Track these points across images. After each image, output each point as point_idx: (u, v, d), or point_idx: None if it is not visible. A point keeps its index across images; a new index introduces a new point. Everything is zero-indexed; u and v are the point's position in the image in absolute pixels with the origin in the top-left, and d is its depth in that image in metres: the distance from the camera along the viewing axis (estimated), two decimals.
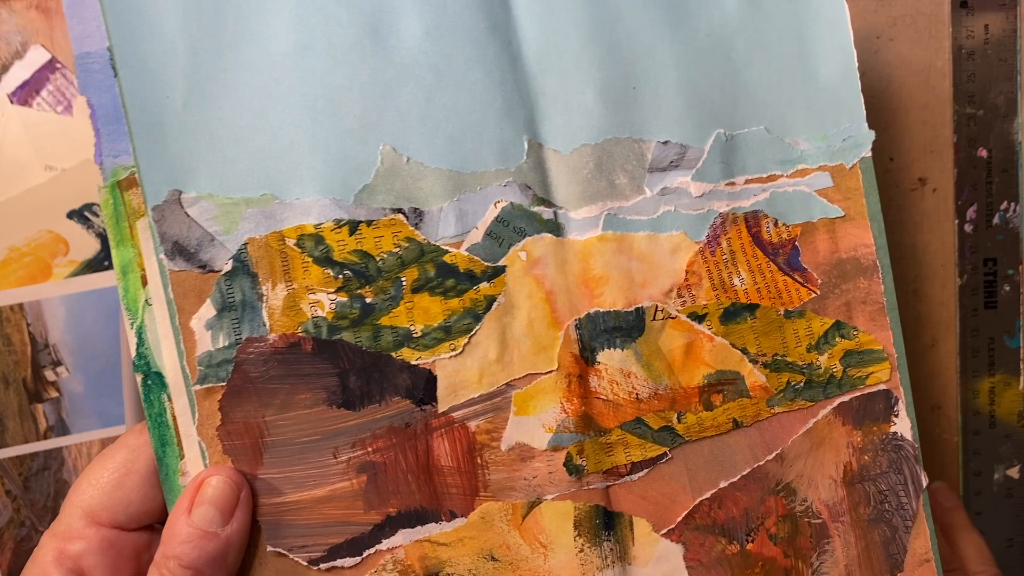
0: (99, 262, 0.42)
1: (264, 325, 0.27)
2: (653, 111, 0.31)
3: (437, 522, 0.29)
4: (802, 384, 0.32)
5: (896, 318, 0.33)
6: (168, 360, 0.27)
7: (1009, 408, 0.46)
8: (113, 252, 0.27)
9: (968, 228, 0.45)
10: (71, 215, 0.42)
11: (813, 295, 0.33)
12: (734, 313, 0.32)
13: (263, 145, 0.27)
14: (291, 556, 0.28)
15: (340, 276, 0.28)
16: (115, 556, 0.27)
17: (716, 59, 0.32)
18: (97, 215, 0.42)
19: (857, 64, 0.33)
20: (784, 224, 0.32)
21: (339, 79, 0.28)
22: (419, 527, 0.29)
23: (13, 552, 0.42)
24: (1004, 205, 0.45)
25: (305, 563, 0.28)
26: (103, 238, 0.42)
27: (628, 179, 0.31)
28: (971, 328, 0.45)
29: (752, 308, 0.32)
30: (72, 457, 0.42)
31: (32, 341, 0.41)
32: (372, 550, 0.28)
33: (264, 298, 0.27)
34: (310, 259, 0.28)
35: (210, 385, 0.27)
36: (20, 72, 0.41)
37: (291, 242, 0.28)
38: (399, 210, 0.29)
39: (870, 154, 0.33)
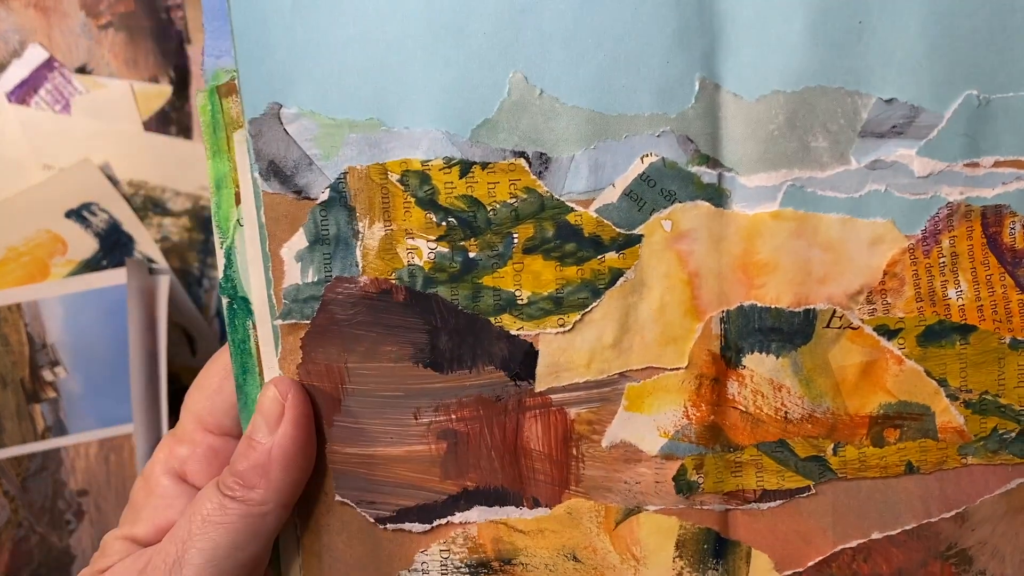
0: (97, 262, 0.43)
1: (356, 265, 0.27)
2: (882, 56, 0.25)
3: (518, 507, 0.28)
4: (1013, 435, 0.27)
5: None
6: (256, 287, 0.27)
7: None
8: (208, 163, 0.26)
9: None
10: (69, 215, 0.43)
11: None
12: (940, 333, 0.27)
13: (375, 60, 0.25)
14: (358, 509, 0.28)
15: (444, 223, 0.26)
16: (219, 464, 0.28)
17: None
18: (95, 214, 0.43)
19: None
20: None
21: None
22: (497, 507, 0.28)
23: (11, 553, 0.44)
24: None
25: (372, 519, 0.28)
26: (101, 238, 0.43)
27: (829, 143, 0.26)
28: None
29: (966, 330, 0.27)
30: (70, 458, 0.44)
31: (30, 341, 0.43)
32: (443, 520, 0.28)
33: (360, 236, 0.27)
34: (413, 200, 0.26)
35: (294, 321, 0.27)
36: (18, 71, 0.43)
37: (394, 177, 0.26)
38: (522, 153, 0.26)
39: None
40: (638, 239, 0.26)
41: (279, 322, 0.27)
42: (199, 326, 0.46)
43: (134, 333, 0.41)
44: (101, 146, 0.44)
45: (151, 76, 0.44)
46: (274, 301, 0.27)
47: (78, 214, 0.44)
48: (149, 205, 0.45)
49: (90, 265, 0.44)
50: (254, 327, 0.27)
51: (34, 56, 0.43)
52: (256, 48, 0.25)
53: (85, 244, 0.44)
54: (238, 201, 0.27)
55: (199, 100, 0.26)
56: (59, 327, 0.43)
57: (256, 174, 0.26)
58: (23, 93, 0.43)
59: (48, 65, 0.43)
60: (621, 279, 0.26)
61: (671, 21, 0.25)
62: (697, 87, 0.25)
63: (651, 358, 0.26)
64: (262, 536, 0.26)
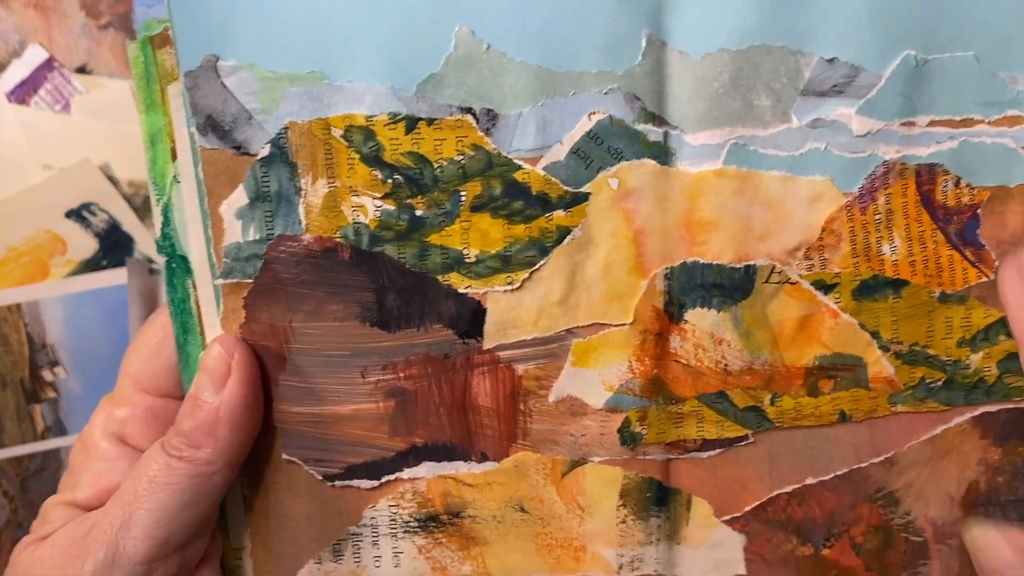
0: (97, 262, 0.43)
1: (299, 223, 0.26)
2: (824, 16, 0.26)
3: (466, 461, 0.28)
4: (940, 383, 0.29)
5: None
6: (195, 245, 0.26)
7: None
8: (141, 118, 0.25)
9: None
10: (69, 215, 0.42)
11: (983, 279, 0.28)
12: (874, 288, 0.28)
13: (317, 12, 0.24)
14: (305, 467, 0.29)
15: (389, 180, 0.26)
16: (158, 426, 0.28)
17: None
18: (95, 214, 0.42)
19: None
20: (968, 185, 0.27)
21: None
22: (445, 463, 0.28)
23: (11, 552, 0.44)
24: None
25: (320, 477, 0.28)
26: (101, 238, 0.43)
27: (772, 101, 0.26)
28: None
29: (899, 285, 0.28)
30: (70, 458, 0.44)
31: (30, 341, 0.42)
32: (392, 476, 0.28)
33: (302, 193, 0.26)
34: (357, 156, 0.26)
35: (236, 280, 0.27)
36: (18, 71, 0.42)
37: (337, 133, 0.26)
38: (468, 110, 0.26)
39: None
40: (585, 197, 0.26)
41: (220, 281, 0.26)
42: None
43: (135, 332, 0.40)
44: (101, 146, 0.43)
45: None
46: (214, 260, 0.26)
47: (78, 214, 0.43)
48: (149, 205, 0.44)
49: (90, 265, 0.43)
50: (194, 286, 0.27)
51: (34, 56, 0.42)
52: None
53: (85, 244, 0.43)
54: (174, 156, 0.26)
55: (131, 51, 0.25)
56: (59, 327, 0.43)
57: (193, 129, 0.25)
58: (23, 93, 0.42)
59: (48, 65, 0.42)
60: (568, 237, 0.26)
61: None
62: (644, 44, 0.25)
63: (597, 315, 0.27)
64: (210, 495, 0.26)
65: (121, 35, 0.42)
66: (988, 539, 0.28)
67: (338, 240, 0.26)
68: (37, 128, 0.43)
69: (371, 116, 0.25)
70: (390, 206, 0.26)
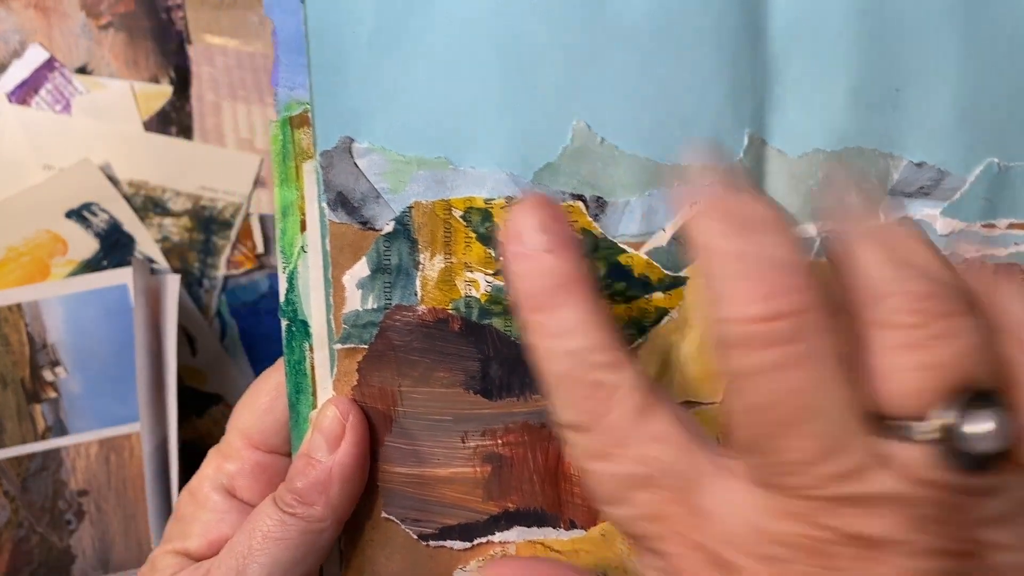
0: (98, 262, 0.44)
1: (416, 294, 0.29)
2: (915, 122, 0.28)
3: (555, 527, 0.30)
4: None
5: None
6: (316, 311, 0.29)
7: None
8: (276, 191, 0.28)
9: None
10: (70, 215, 0.44)
11: None
12: None
13: (446, 102, 0.27)
14: (403, 526, 0.30)
15: (502, 258, 0.29)
16: (267, 480, 0.30)
17: (1014, 68, 0.28)
18: (95, 214, 0.44)
19: None
20: None
21: (541, 37, 0.27)
22: (536, 528, 0.30)
23: (11, 553, 0.44)
24: None
25: (415, 536, 0.30)
26: (101, 238, 0.44)
27: (863, 199, 0.29)
28: None
29: None
30: (71, 458, 0.44)
31: (30, 341, 0.43)
32: (484, 539, 0.30)
33: (420, 266, 0.28)
34: (474, 235, 0.28)
35: (352, 345, 0.29)
36: (18, 71, 0.43)
37: (458, 213, 0.28)
38: (580, 196, 0.28)
39: None
40: (683, 281, 0.28)
41: (338, 346, 0.28)
42: (199, 326, 0.47)
43: (140, 333, 0.42)
44: (101, 146, 0.44)
45: (151, 76, 0.45)
46: (333, 325, 0.28)
47: (78, 214, 0.44)
48: (149, 205, 0.45)
49: (90, 265, 0.44)
50: (311, 349, 0.29)
51: (34, 56, 0.44)
52: (331, 83, 0.27)
53: (85, 244, 0.44)
54: (303, 228, 0.28)
55: (271, 130, 0.28)
56: (59, 327, 0.44)
57: (324, 203, 0.28)
58: (23, 93, 0.44)
59: (48, 65, 0.43)
60: (666, 318, 0.28)
61: (725, 80, 0.27)
62: (746, 142, 0.28)
63: (690, 393, 0.29)
64: (318, 551, 0.28)
65: (122, 35, 0.43)
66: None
67: (450, 312, 0.28)
68: (37, 128, 0.44)
69: (490, 199, 0.27)
70: (500, 282, 0.28)
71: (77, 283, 0.43)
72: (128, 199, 0.45)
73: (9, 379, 0.44)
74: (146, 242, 0.45)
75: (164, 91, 0.45)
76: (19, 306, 0.43)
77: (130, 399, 0.43)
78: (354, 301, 0.28)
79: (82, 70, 0.44)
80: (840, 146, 0.28)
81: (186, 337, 0.47)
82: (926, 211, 0.28)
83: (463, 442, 0.29)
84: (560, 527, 0.30)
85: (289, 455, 0.30)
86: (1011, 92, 0.28)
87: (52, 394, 0.44)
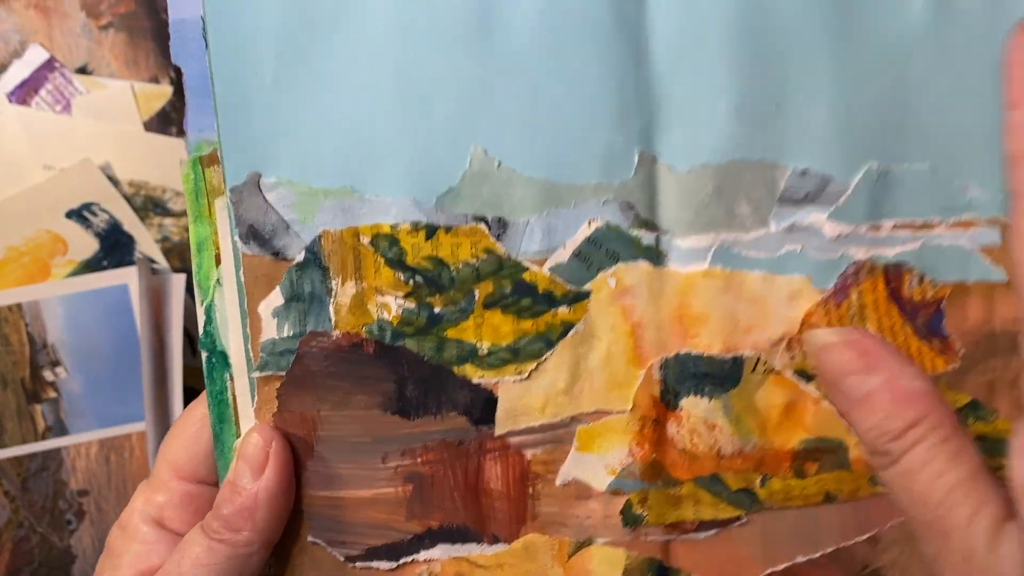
0: (98, 262, 0.45)
1: (329, 320, 0.30)
2: (796, 133, 0.30)
3: (478, 543, 0.32)
4: None
5: None
6: (234, 342, 0.30)
7: None
8: (191, 227, 0.30)
9: None
10: (70, 215, 0.45)
11: (951, 367, 0.32)
12: None
13: (349, 134, 0.29)
14: (329, 549, 0.31)
15: (411, 281, 0.30)
16: (195, 510, 0.31)
17: (885, 77, 0.30)
18: (96, 214, 0.45)
19: None
20: (931, 281, 0.31)
21: (437, 70, 0.29)
22: (459, 544, 0.31)
23: (12, 553, 0.45)
24: None
25: (342, 558, 0.31)
26: (102, 238, 0.45)
27: (751, 209, 0.31)
28: None
29: None
30: (71, 458, 0.45)
31: (30, 341, 0.44)
32: (409, 558, 0.31)
33: (332, 293, 0.30)
34: (383, 260, 0.30)
35: (270, 373, 0.30)
36: (19, 71, 0.44)
37: (366, 240, 0.30)
38: (482, 218, 0.30)
39: None
40: (586, 295, 0.30)
41: (256, 374, 0.30)
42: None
43: (143, 333, 0.43)
44: (102, 146, 0.45)
45: (152, 76, 0.46)
46: (251, 354, 0.30)
47: (79, 214, 0.45)
48: (150, 205, 0.46)
49: (91, 265, 0.45)
50: (231, 379, 0.30)
51: (35, 56, 0.44)
52: (237, 122, 0.29)
53: (86, 244, 0.45)
54: (218, 262, 0.30)
55: (183, 169, 0.29)
56: (60, 327, 0.44)
57: (236, 238, 0.29)
58: (24, 93, 0.44)
59: (49, 65, 0.44)
60: (572, 331, 0.30)
61: (613, 102, 0.29)
62: (636, 160, 0.30)
63: (599, 402, 0.31)
64: (247, 575, 0.29)
65: (122, 35, 0.44)
66: (825, 340, 0.29)
67: (363, 336, 0.30)
68: (38, 128, 0.44)
69: (396, 225, 0.29)
70: (411, 304, 0.30)
71: (77, 283, 0.44)
72: (128, 199, 0.45)
73: (9, 379, 0.44)
74: (146, 242, 0.46)
75: (164, 91, 0.46)
76: (19, 306, 0.44)
77: (130, 399, 0.44)
78: (270, 330, 0.30)
79: (82, 70, 0.45)
80: (727, 159, 0.30)
81: (186, 337, 0.48)
82: (813, 216, 0.30)
83: (383, 463, 0.31)
84: (484, 542, 0.31)
85: (216, 485, 0.31)
86: (885, 99, 0.30)
87: (52, 394, 0.45)
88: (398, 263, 0.29)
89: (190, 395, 0.46)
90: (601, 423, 0.31)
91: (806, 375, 0.31)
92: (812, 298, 0.31)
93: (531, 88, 0.29)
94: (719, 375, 0.31)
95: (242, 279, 0.30)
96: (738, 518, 0.31)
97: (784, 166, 0.30)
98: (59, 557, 0.46)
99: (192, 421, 0.31)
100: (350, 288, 0.30)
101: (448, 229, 0.29)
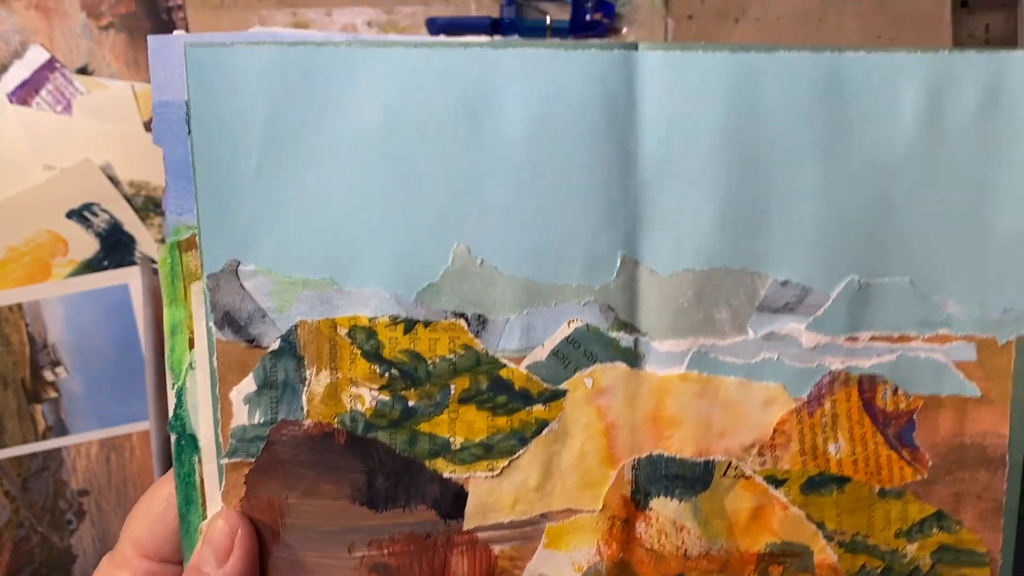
0: (98, 262, 0.45)
1: (302, 409, 0.30)
2: (779, 243, 0.31)
3: None
4: (879, 571, 0.33)
5: (1013, 523, 0.32)
6: (204, 426, 0.30)
7: None
8: (165, 310, 0.30)
9: None
10: (70, 215, 0.45)
11: (919, 477, 0.32)
12: (819, 483, 0.32)
13: (331, 226, 0.29)
14: None
15: (387, 374, 0.30)
16: None
17: (871, 192, 0.30)
18: (96, 215, 0.45)
19: None
20: (905, 393, 0.32)
21: (423, 166, 0.29)
22: None
23: (12, 552, 0.45)
24: None
25: None
26: (102, 238, 0.45)
27: (731, 315, 0.31)
28: None
29: (842, 481, 0.32)
30: (71, 457, 0.46)
31: (31, 341, 0.45)
32: None
33: (306, 382, 0.30)
34: (359, 351, 0.30)
35: (239, 459, 0.30)
36: (19, 72, 0.45)
37: (343, 331, 0.30)
38: (462, 315, 0.30)
39: None
40: (563, 393, 0.30)
41: (225, 460, 0.30)
42: None
43: (146, 333, 0.43)
44: (102, 146, 0.45)
45: None
46: (221, 440, 0.30)
47: (79, 214, 0.45)
48: (150, 205, 0.46)
49: (91, 265, 0.45)
50: (200, 462, 0.30)
51: (35, 57, 0.44)
52: (218, 209, 0.28)
53: (86, 244, 0.45)
54: (191, 346, 0.30)
55: (160, 252, 0.29)
56: (60, 327, 0.45)
57: (211, 323, 0.29)
58: (24, 94, 0.44)
59: (49, 66, 0.44)
60: (546, 429, 0.30)
61: (599, 205, 0.29)
62: (619, 263, 0.30)
63: (570, 501, 0.31)
64: None
65: (122, 36, 0.45)
66: None
67: (335, 426, 0.30)
68: (38, 128, 0.44)
69: (374, 318, 0.29)
70: (385, 397, 0.30)
71: (78, 283, 0.45)
72: (129, 199, 0.45)
73: (10, 379, 0.45)
74: (147, 242, 0.46)
75: None
76: (20, 306, 0.44)
77: (130, 399, 0.45)
78: (241, 416, 0.30)
79: (83, 70, 0.45)
80: (709, 265, 0.30)
81: None
82: (792, 326, 0.31)
83: (350, 552, 0.31)
84: None
85: (180, 564, 0.31)
86: (869, 213, 0.30)
87: (52, 394, 0.45)
88: (375, 356, 0.29)
89: None
90: (570, 521, 0.31)
91: (776, 480, 0.31)
92: (786, 406, 0.31)
93: (518, 187, 0.29)
94: (690, 478, 0.31)
95: (215, 364, 0.29)
96: None
97: (765, 275, 0.30)
98: (59, 557, 0.46)
99: (159, 500, 0.31)
100: (324, 378, 0.30)
101: (427, 324, 0.29)
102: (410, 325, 0.29)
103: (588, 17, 0.49)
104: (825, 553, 0.32)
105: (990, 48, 0.30)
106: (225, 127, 0.28)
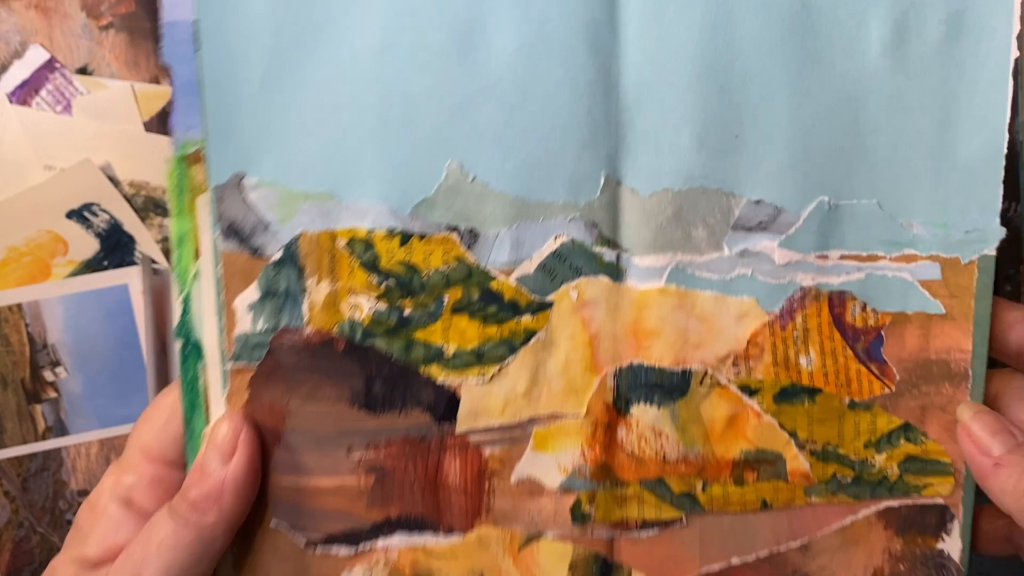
0: (98, 262, 0.45)
1: (302, 317, 0.32)
2: (752, 165, 0.33)
3: (435, 533, 0.34)
4: (849, 479, 0.35)
5: None
6: (208, 333, 0.32)
7: None
8: (171, 222, 0.31)
9: None
10: (70, 215, 0.45)
11: (887, 391, 0.34)
12: (791, 394, 0.34)
13: (331, 141, 0.31)
14: (291, 534, 0.33)
15: (383, 284, 0.32)
16: (163, 492, 0.32)
17: (840, 118, 0.32)
18: (96, 215, 0.45)
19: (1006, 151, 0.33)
20: (873, 310, 0.34)
21: (418, 86, 0.31)
22: (417, 534, 0.33)
23: (12, 553, 0.45)
24: (1004, 205, 0.45)
25: (302, 543, 0.33)
26: (102, 238, 0.45)
27: (707, 233, 0.33)
28: None
29: (813, 392, 0.34)
30: (71, 458, 0.46)
31: (31, 341, 0.45)
32: (367, 546, 0.33)
33: (307, 291, 0.32)
34: (357, 262, 0.32)
35: (243, 365, 0.32)
36: (19, 72, 0.44)
37: (342, 243, 0.32)
38: (454, 228, 0.32)
39: (994, 253, 0.34)
40: (549, 305, 0.32)
41: (229, 365, 0.32)
42: None
43: (147, 333, 0.44)
44: (102, 147, 0.45)
45: (152, 77, 0.46)
46: (225, 346, 0.32)
47: (79, 214, 0.45)
48: (150, 206, 0.46)
49: (91, 265, 0.45)
50: (204, 369, 0.32)
51: (35, 57, 0.44)
52: (224, 124, 0.30)
53: (86, 244, 0.45)
54: (197, 256, 0.31)
55: (167, 166, 0.31)
56: (60, 327, 0.45)
57: (217, 234, 0.31)
58: (24, 94, 0.45)
59: (49, 66, 0.44)
60: (534, 338, 0.32)
61: (583, 126, 0.31)
62: (602, 182, 0.32)
63: (556, 406, 0.33)
64: (211, 557, 0.31)
65: (122, 36, 0.44)
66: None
67: (335, 333, 0.32)
68: (38, 129, 0.44)
69: (371, 230, 0.31)
70: (382, 306, 0.32)
71: (78, 283, 0.45)
72: (129, 199, 0.45)
73: (9, 379, 0.45)
74: (147, 242, 0.46)
75: (165, 91, 0.46)
76: (20, 306, 0.45)
77: (130, 399, 0.45)
78: (245, 324, 0.31)
79: (83, 70, 0.45)
80: (686, 186, 0.32)
81: None
82: (764, 243, 0.33)
83: (348, 454, 0.32)
84: (440, 532, 0.33)
85: (184, 469, 0.33)
86: (838, 139, 0.32)
87: (52, 394, 0.45)
88: (372, 266, 0.31)
89: None
90: (556, 425, 0.33)
91: (750, 390, 0.33)
92: (760, 319, 0.33)
93: (506, 110, 0.31)
94: (668, 386, 0.33)
95: (220, 274, 0.31)
96: (679, 519, 0.34)
97: (740, 195, 0.32)
98: None
99: (163, 407, 0.33)
100: (324, 287, 0.31)
101: (422, 237, 0.31)
102: (405, 238, 0.31)
103: None
104: (797, 461, 0.34)
105: None
106: (231, 46, 0.30)
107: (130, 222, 0.45)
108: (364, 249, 0.31)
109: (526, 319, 0.32)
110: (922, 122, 0.32)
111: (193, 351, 0.32)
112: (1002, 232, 0.33)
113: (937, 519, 0.35)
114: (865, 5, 0.32)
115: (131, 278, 0.45)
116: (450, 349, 0.32)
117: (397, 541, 0.33)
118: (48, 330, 0.45)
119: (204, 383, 0.32)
